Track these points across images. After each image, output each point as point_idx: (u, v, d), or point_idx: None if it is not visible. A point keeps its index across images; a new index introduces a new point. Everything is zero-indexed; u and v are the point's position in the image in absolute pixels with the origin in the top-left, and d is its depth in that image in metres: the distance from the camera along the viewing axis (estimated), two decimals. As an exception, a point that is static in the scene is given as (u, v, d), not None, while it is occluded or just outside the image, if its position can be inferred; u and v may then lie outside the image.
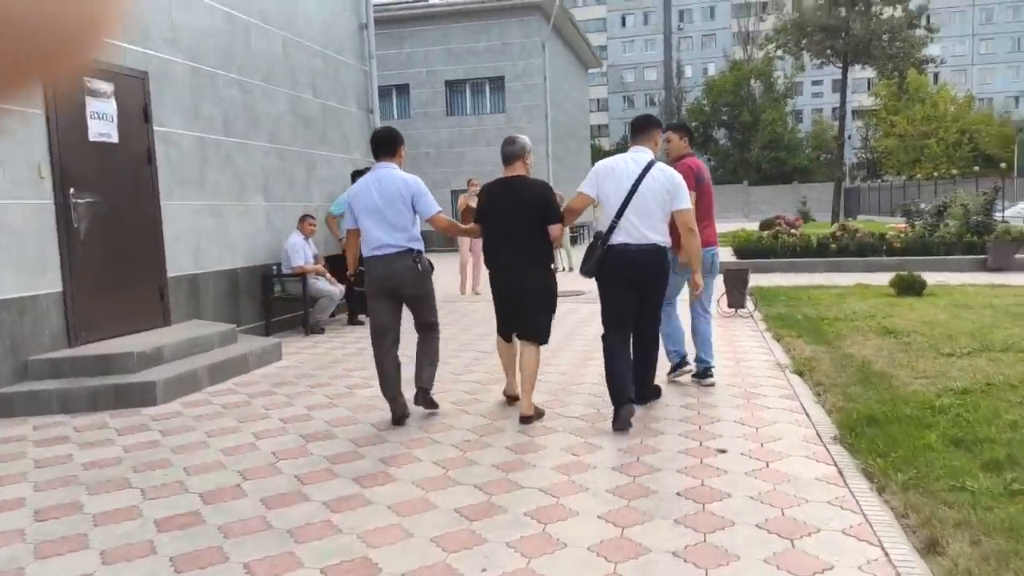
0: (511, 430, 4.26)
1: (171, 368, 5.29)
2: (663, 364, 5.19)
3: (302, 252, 7.71)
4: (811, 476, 3.45)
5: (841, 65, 30.30)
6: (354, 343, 7.27)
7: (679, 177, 4.58)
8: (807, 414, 4.47)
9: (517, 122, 23.35)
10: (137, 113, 6.07)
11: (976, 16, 66.51)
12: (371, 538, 2.82)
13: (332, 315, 8.32)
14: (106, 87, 5.71)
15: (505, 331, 4.74)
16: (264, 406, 4.86)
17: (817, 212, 36.86)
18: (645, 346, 4.74)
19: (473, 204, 10.34)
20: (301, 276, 7.61)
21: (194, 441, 4.11)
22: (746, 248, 14.14)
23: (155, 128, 6.27)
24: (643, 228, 4.36)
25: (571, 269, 14.52)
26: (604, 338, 4.51)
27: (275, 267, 7.81)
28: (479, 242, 5.06)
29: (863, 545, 2.75)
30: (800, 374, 5.44)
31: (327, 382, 5.55)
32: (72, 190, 5.38)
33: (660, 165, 4.58)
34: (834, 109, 56.62)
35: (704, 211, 5.21)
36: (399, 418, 4.37)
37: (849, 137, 34.46)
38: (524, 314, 4.49)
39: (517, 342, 4.68)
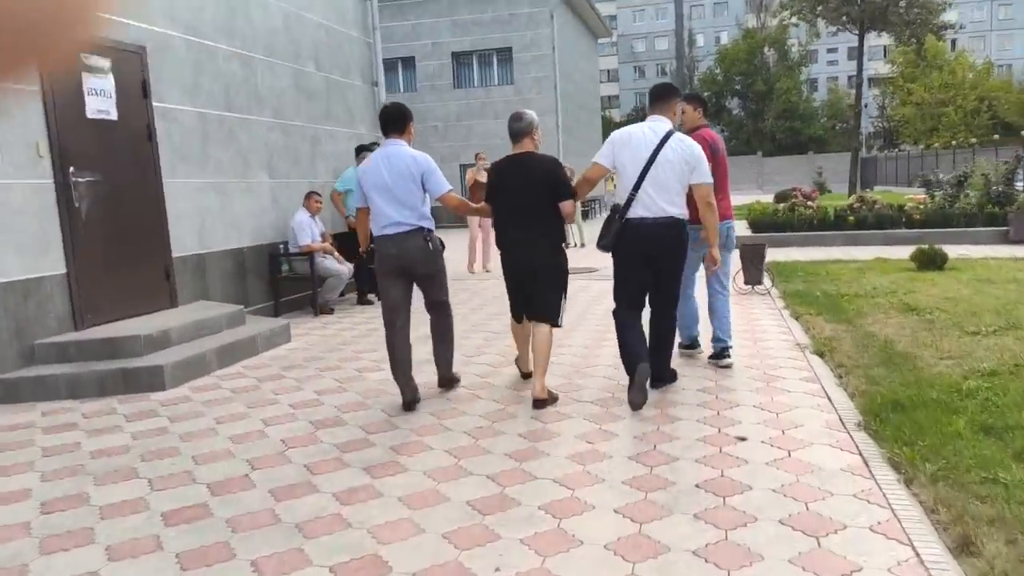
0: (524, 416, 4.16)
1: (179, 351, 5.22)
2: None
3: (309, 230, 7.59)
4: (835, 466, 3.34)
5: (857, 32, 29.54)
6: (364, 323, 7.18)
7: (699, 148, 4.45)
8: (829, 398, 4.34)
9: (526, 94, 23.01)
10: (136, 89, 5.93)
11: (996, -20, 64.74)
12: (381, 533, 2.74)
13: (341, 294, 8.23)
14: (103, 63, 5.56)
15: (517, 311, 4.68)
16: (273, 390, 4.78)
17: (833, 183, 36.33)
18: (661, 328, 4.62)
19: (481, 178, 10.19)
20: (308, 255, 7.50)
21: (203, 428, 4.04)
22: (761, 222, 13.90)
23: (155, 104, 6.13)
24: (660, 200, 4.27)
25: (583, 245, 14.35)
26: (615, 313, 4.48)
27: (282, 246, 7.70)
28: (488, 219, 4.95)
29: (892, 544, 2.64)
30: (820, 355, 5.31)
31: (337, 365, 5.47)
32: (72, 169, 5.27)
33: (679, 135, 4.44)
34: (850, 77, 55.53)
35: (719, 184, 5.05)
36: (410, 402, 4.29)
37: (866, 106, 33.72)
38: (535, 293, 4.40)
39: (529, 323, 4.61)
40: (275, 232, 7.74)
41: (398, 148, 4.33)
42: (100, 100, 5.56)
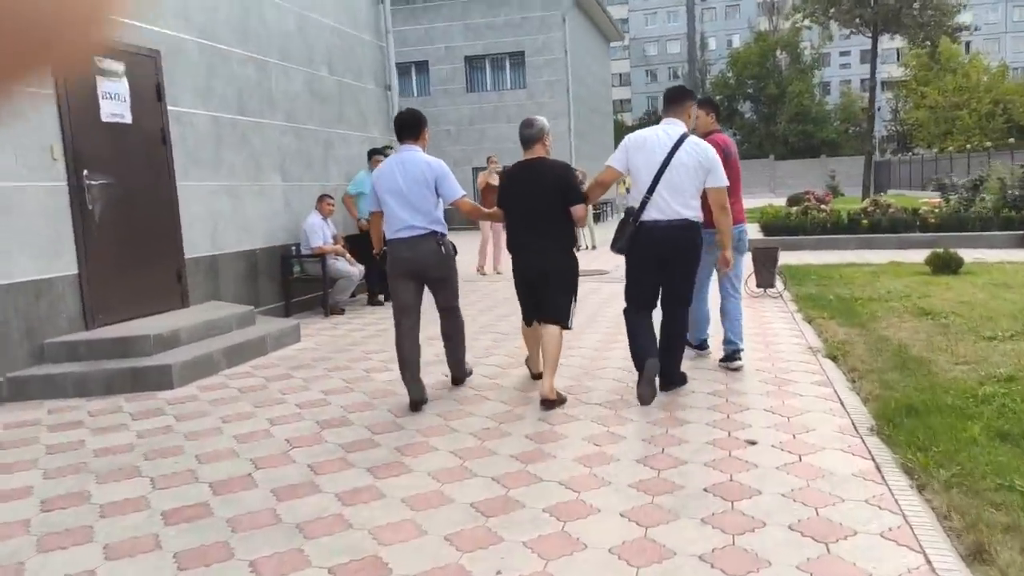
0: (531, 417, 4.12)
1: (188, 351, 5.23)
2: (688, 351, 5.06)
3: (321, 232, 7.61)
4: (847, 472, 3.28)
5: (870, 34, 29.28)
6: (374, 324, 7.18)
7: (713, 151, 4.44)
8: (841, 402, 4.28)
9: (539, 97, 23.00)
10: (150, 92, 5.96)
11: (1010, -17, 64.04)
12: (383, 535, 2.71)
13: (352, 295, 8.24)
14: (117, 66, 5.59)
15: (529, 317, 4.69)
16: (280, 390, 4.77)
17: (846, 186, 36.01)
18: (672, 331, 4.59)
19: (493, 182, 10.18)
20: (320, 256, 7.51)
21: (208, 427, 4.03)
22: (774, 225, 13.79)
23: (169, 108, 6.16)
24: (674, 203, 4.27)
25: (594, 247, 14.32)
26: (626, 313, 4.55)
27: (294, 248, 7.73)
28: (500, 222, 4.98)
29: (903, 551, 2.58)
30: (833, 359, 5.23)
31: (345, 365, 5.45)
32: (86, 172, 5.31)
33: (693, 139, 4.44)
34: (862, 80, 55.19)
35: (732, 188, 5.01)
36: (416, 402, 4.28)
37: (879, 109, 33.41)
38: (546, 297, 4.43)
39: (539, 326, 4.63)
40: (287, 234, 7.76)
41: (413, 154, 4.39)
42: (114, 104, 5.59)
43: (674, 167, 4.26)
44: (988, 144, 31.50)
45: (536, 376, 4.81)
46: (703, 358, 5.41)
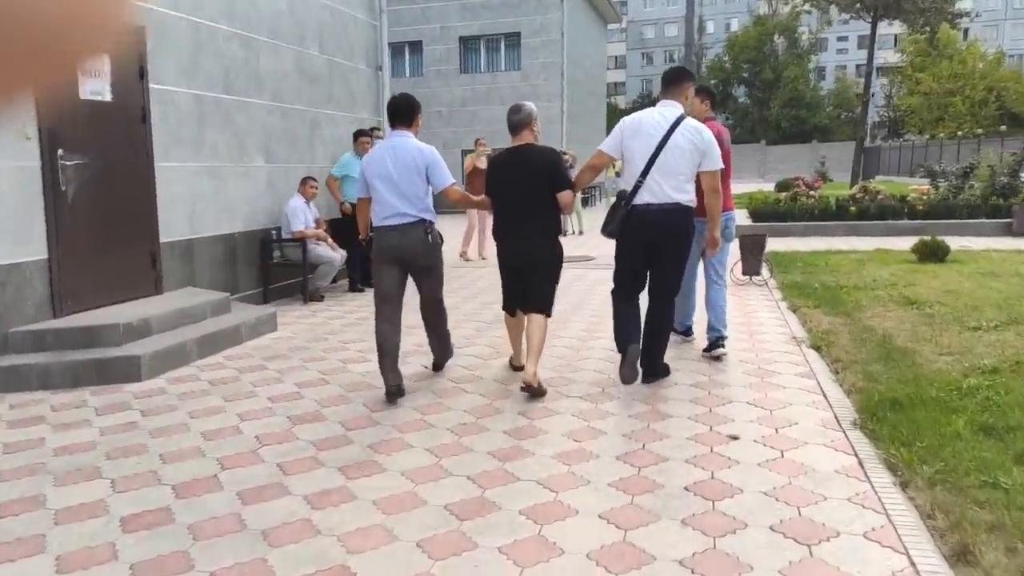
0: (510, 412, 4.03)
1: (159, 340, 5.08)
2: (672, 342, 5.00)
3: (302, 216, 7.44)
4: (830, 468, 3.21)
5: (870, 19, 29.10)
6: (354, 312, 7.05)
7: (709, 134, 4.40)
8: (825, 395, 4.22)
9: (533, 80, 22.76)
10: (133, 70, 5.77)
11: (1010, -32, 63.81)
12: (352, 541, 2.61)
13: (334, 281, 8.10)
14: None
15: (511, 305, 4.64)
16: (253, 383, 4.64)
17: (836, 172, 36.04)
18: (657, 318, 4.53)
19: (481, 165, 10.02)
20: (301, 241, 7.35)
21: (175, 423, 3.90)
22: (762, 211, 13.73)
23: (151, 85, 5.97)
24: (667, 187, 4.24)
25: (581, 232, 14.20)
26: (614, 294, 4.55)
27: (274, 231, 7.56)
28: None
29: (887, 552, 2.51)
30: (817, 349, 5.18)
31: (321, 356, 5.33)
32: (60, 151, 5.12)
33: (690, 121, 4.38)
34: (858, 66, 55.05)
35: (722, 176, 4.98)
36: (393, 393, 4.19)
37: (873, 95, 33.27)
38: (531, 285, 4.42)
39: (523, 315, 4.60)
40: (268, 218, 7.58)
41: (404, 140, 4.33)
42: (95, 81, 5.41)
43: (669, 150, 4.23)
44: (979, 131, 31.52)
45: (517, 368, 4.73)
46: (686, 347, 5.34)
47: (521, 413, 4.00)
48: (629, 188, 4.32)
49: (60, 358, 4.69)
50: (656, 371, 4.54)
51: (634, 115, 4.51)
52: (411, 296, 4.56)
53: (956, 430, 3.47)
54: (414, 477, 3.15)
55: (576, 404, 4.13)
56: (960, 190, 13.43)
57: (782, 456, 3.36)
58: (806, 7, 32.79)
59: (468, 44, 23.54)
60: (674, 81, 4.52)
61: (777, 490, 2.99)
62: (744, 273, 8.07)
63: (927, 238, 9.27)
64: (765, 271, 8.48)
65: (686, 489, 3.01)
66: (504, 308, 4.69)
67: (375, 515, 2.80)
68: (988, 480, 2.94)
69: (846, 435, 3.60)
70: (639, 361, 4.44)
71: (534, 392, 4.19)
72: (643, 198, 4.26)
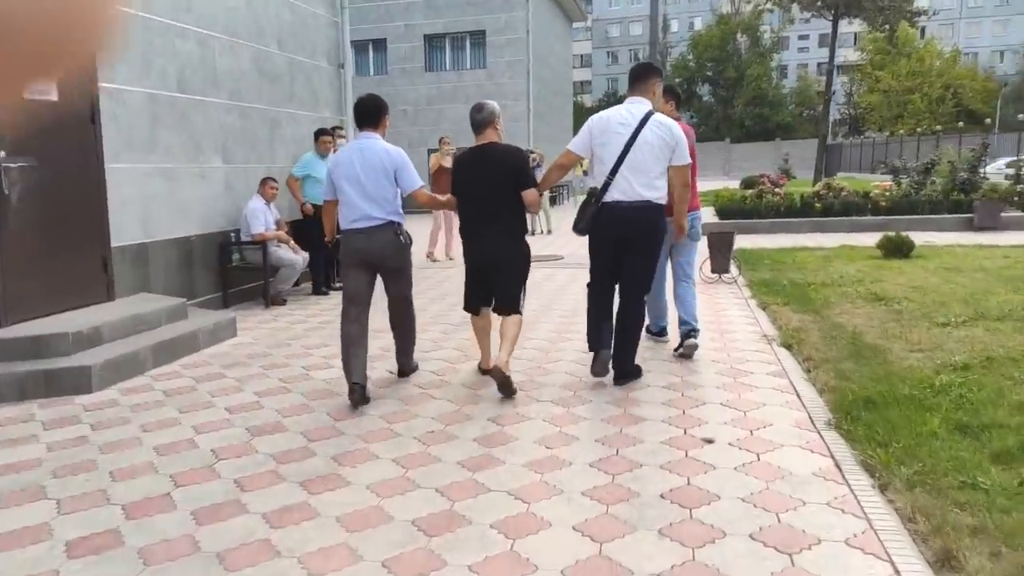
0: (480, 417, 3.90)
1: (111, 349, 4.84)
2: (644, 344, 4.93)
3: (262, 217, 7.21)
4: (807, 471, 3.15)
5: (831, 18, 29.52)
6: (317, 316, 6.85)
7: (678, 129, 4.38)
8: (798, 394, 4.17)
9: (498, 78, 22.62)
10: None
11: (964, -32, 65.41)
12: (313, 562, 2.45)
13: (296, 284, 7.88)
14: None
15: (473, 305, 4.58)
16: (210, 392, 4.44)
17: (799, 169, 36.51)
18: (627, 323, 4.47)
19: (446, 164, 9.86)
20: (261, 243, 7.12)
21: (126, 437, 3.69)
22: (729, 209, 13.79)
23: (100, 84, 5.70)
24: (636, 184, 4.22)
25: (549, 232, 14.11)
26: (589, 287, 4.56)
27: (233, 234, 7.31)
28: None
29: (870, 560, 2.45)
30: (788, 347, 5.15)
31: (283, 362, 5.13)
32: (3, 154, 4.86)
33: (658, 117, 4.35)
34: (819, 64, 55.95)
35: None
36: (358, 400, 4.05)
37: (834, 93, 33.78)
38: (498, 285, 4.38)
39: (491, 315, 4.56)
40: (226, 220, 7.34)
41: (372, 142, 4.28)
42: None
43: (638, 146, 4.21)
44: (938, 128, 32.24)
45: (486, 372, 4.62)
46: (658, 348, 5.27)
47: (491, 419, 3.87)
48: (599, 186, 4.30)
49: (6, 369, 4.43)
50: (628, 372, 4.48)
51: (602, 113, 4.48)
52: (378, 298, 4.42)
53: (932, 429, 3.44)
54: (380, 491, 3.00)
55: (547, 409, 4.02)
56: (922, 186, 13.65)
57: (758, 459, 3.29)
58: (768, 5, 33.13)
59: (433, 42, 23.31)
60: (641, 77, 4.49)
61: (755, 496, 2.92)
62: (713, 271, 8.05)
63: (892, 234, 9.36)
64: (734, 269, 8.48)
65: (662, 497, 2.92)
66: (466, 308, 4.65)
67: (338, 533, 2.65)
68: (967, 481, 2.90)
69: (821, 436, 3.54)
70: (610, 363, 4.43)
71: (503, 380, 4.11)
72: (613, 195, 4.26)
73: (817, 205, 13.32)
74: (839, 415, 3.74)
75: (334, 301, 7.40)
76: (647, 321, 5.04)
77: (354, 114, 4.48)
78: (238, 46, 7.44)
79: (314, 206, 7.64)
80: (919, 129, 33.93)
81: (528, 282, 4.56)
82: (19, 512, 2.86)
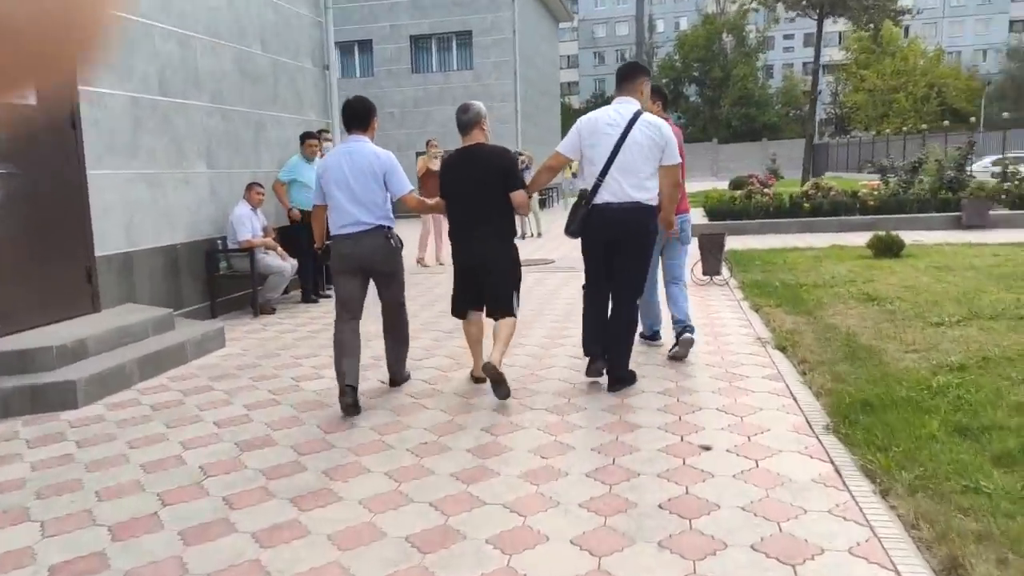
0: (474, 427, 3.84)
1: (96, 363, 4.74)
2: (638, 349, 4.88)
3: (249, 224, 7.11)
4: (807, 477, 3.10)
5: (816, 17, 29.65)
6: (307, 324, 6.76)
7: (668, 128, 4.34)
8: (794, 398, 4.13)
9: (485, 79, 22.57)
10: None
11: (947, -32, 65.98)
12: (304, 583, 2.38)
13: (285, 292, 7.78)
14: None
15: (460, 308, 4.54)
16: (198, 406, 4.35)
17: (786, 169, 36.70)
18: (620, 328, 4.41)
19: (433, 167, 9.79)
20: (248, 251, 7.03)
21: (113, 454, 3.59)
22: (718, 210, 13.79)
23: (80, 88, 5.59)
24: (626, 186, 4.18)
25: (540, 234, 14.05)
26: (585, 288, 4.56)
27: (220, 241, 7.21)
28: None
29: (875, 569, 2.40)
30: (783, 349, 5.12)
31: (272, 373, 5.05)
32: (-20, 161, 4.75)
33: (647, 116, 4.31)
34: (805, 64, 56.23)
35: None
36: (349, 406, 3.99)
37: (819, 92, 33.93)
38: (488, 288, 4.36)
39: (483, 323, 4.53)
40: (213, 227, 7.23)
41: (361, 145, 4.23)
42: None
43: (628, 147, 4.18)
44: (923, 127, 32.44)
45: (479, 380, 4.56)
46: (651, 353, 5.23)
47: (485, 429, 3.81)
48: (589, 187, 4.27)
49: (-14, 386, 4.33)
50: (622, 378, 4.42)
51: (591, 114, 4.44)
52: (369, 303, 4.36)
53: (931, 432, 3.40)
54: (372, 506, 2.93)
55: (541, 417, 3.96)
56: (910, 185, 13.70)
57: (757, 466, 3.24)
58: (753, 5, 33.19)
59: (419, 43, 23.23)
60: (628, 76, 4.45)
61: (755, 504, 2.87)
62: (704, 273, 8.02)
63: (882, 233, 9.37)
64: (725, 270, 8.45)
65: (660, 507, 2.86)
66: (454, 313, 4.60)
67: (330, 551, 2.58)
68: (969, 485, 2.86)
69: (820, 441, 3.50)
70: (605, 369, 4.41)
71: (496, 378, 4.08)
72: (603, 197, 4.23)
73: (806, 205, 13.35)
74: (837, 419, 3.70)
75: (324, 309, 7.31)
76: (640, 327, 5.01)
77: (342, 117, 4.43)
78: (220, 47, 7.35)
79: (301, 211, 7.55)
80: (905, 128, 34.15)
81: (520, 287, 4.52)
82: (1, 536, 2.77)
